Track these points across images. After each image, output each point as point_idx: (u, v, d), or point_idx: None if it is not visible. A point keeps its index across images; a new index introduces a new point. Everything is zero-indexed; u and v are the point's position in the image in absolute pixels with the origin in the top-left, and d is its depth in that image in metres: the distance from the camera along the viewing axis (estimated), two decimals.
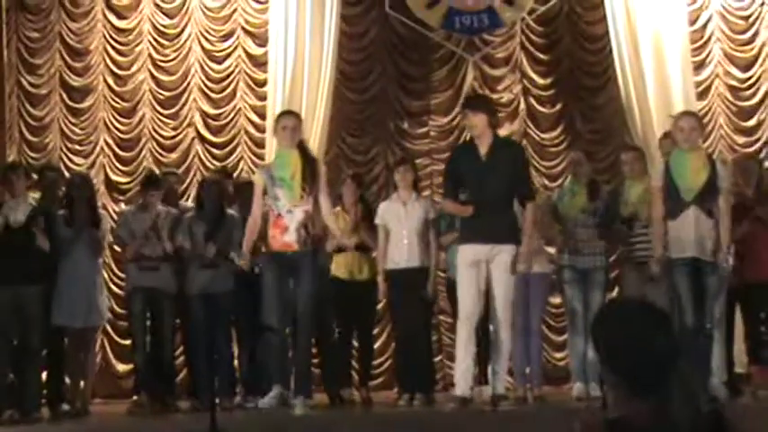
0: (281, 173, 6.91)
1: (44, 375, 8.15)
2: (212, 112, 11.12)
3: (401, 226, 7.87)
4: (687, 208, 6.82)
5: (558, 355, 9.79)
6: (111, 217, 10.11)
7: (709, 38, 10.52)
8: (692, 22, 10.42)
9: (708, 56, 10.51)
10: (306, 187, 6.88)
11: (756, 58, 10.49)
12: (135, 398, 8.46)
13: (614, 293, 8.94)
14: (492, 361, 6.86)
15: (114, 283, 10.30)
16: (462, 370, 6.70)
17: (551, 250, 8.20)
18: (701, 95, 10.33)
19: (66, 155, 11.27)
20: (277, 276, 6.93)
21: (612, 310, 2.74)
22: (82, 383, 8.18)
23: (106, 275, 9.91)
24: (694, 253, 6.81)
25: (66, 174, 9.71)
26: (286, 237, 6.86)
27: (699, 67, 10.41)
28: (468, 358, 6.69)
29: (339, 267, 8.21)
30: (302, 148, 7.05)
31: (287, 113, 7.43)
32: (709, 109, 10.38)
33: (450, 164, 7.14)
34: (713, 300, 6.98)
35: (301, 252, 6.86)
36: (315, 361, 8.69)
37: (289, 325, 7.06)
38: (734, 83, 10.50)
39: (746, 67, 10.51)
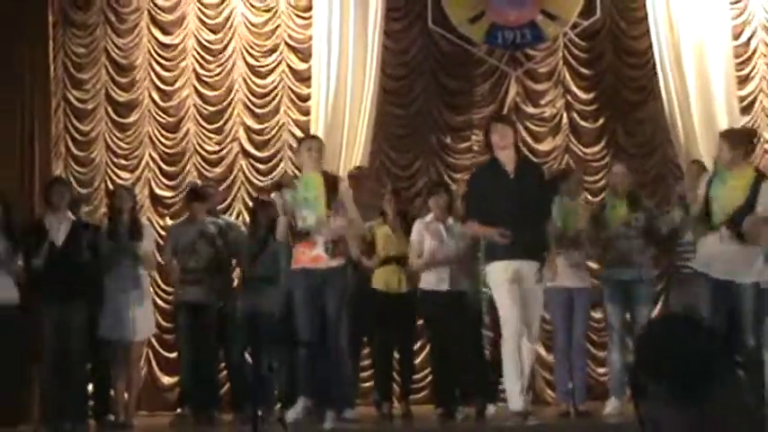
0: (305, 194, 7.03)
1: (90, 388, 8.23)
2: (256, 126, 11.19)
3: (442, 247, 7.87)
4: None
5: (601, 371, 9.73)
6: (157, 231, 10.21)
7: (754, 52, 10.46)
8: (736, 37, 10.36)
9: (752, 70, 10.45)
10: (332, 206, 7.00)
11: None
12: (179, 410, 8.53)
13: (658, 307, 8.91)
14: (513, 376, 6.73)
15: (160, 297, 10.38)
16: (513, 388, 6.67)
17: (594, 265, 8.18)
18: (745, 110, 10.27)
19: (111, 169, 11.38)
20: (307, 292, 6.98)
21: (660, 324, 2.73)
22: (126, 396, 8.25)
23: (151, 289, 10.01)
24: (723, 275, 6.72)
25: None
26: (314, 251, 6.94)
27: (743, 81, 10.35)
28: (520, 374, 6.66)
29: (378, 280, 8.23)
30: (324, 171, 7.28)
31: (310, 137, 7.75)
32: (754, 123, 10.30)
33: (474, 182, 7.14)
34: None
35: (331, 267, 6.94)
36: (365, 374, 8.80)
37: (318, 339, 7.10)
38: None
39: None
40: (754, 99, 10.42)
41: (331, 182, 7.15)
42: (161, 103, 11.42)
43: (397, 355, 8.52)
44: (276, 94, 11.20)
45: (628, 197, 7.85)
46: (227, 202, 10.95)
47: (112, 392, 8.34)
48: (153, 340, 9.88)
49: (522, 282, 6.67)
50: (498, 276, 6.73)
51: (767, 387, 6.51)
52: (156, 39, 11.49)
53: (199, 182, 10.62)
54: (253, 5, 11.28)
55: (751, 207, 6.71)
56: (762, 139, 10.32)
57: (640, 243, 7.71)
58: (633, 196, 7.88)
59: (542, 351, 9.96)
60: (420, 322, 8.55)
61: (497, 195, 6.70)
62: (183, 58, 11.43)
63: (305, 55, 11.05)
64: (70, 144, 11.47)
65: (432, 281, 7.87)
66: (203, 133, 11.30)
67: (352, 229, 7.20)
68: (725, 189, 6.78)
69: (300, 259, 7.02)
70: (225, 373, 9.25)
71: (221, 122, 11.28)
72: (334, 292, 6.95)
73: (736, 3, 10.41)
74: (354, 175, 8.91)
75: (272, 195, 7.36)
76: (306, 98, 10.95)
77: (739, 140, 7.11)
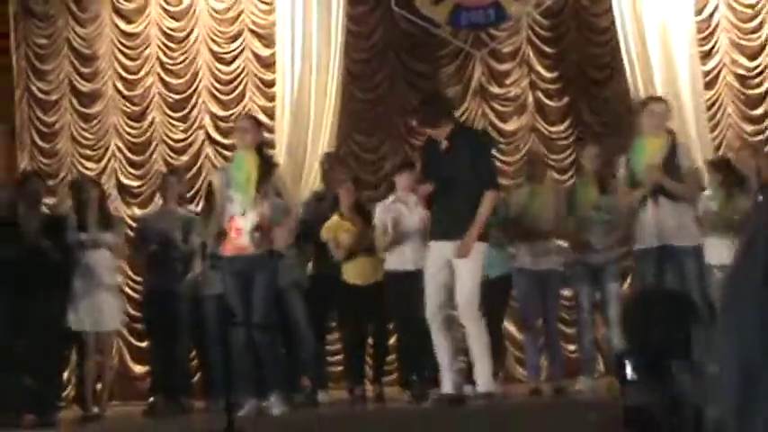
0: (235, 175, 6.94)
1: (64, 379, 8.22)
2: (222, 113, 11.16)
3: (403, 220, 7.82)
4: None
5: (571, 348, 9.78)
6: (125, 221, 10.17)
7: (716, 27, 10.50)
8: (699, 12, 10.40)
9: (715, 45, 10.50)
10: (261, 190, 6.88)
11: (763, 46, 10.47)
12: (151, 399, 8.51)
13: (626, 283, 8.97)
14: (475, 360, 6.67)
15: (129, 287, 10.35)
16: (443, 368, 6.59)
17: (564, 244, 8.20)
18: (709, 85, 10.32)
19: (77, 160, 11.32)
20: (234, 278, 6.90)
21: (642, 299, 2.75)
22: (99, 386, 8.23)
23: (121, 278, 9.97)
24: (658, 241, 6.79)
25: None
26: (240, 239, 6.86)
27: (706, 56, 10.40)
28: (448, 357, 6.59)
29: (351, 274, 8.18)
30: (260, 150, 7.10)
31: (243, 117, 7.62)
32: (717, 98, 10.37)
33: (421, 158, 7.16)
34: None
35: (256, 255, 6.85)
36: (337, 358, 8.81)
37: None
38: (741, 72, 10.49)
39: (753, 55, 10.49)
40: (718, 74, 10.47)
41: (266, 165, 7.03)
42: (125, 93, 11.37)
43: (370, 339, 8.52)
44: (241, 81, 11.17)
45: (596, 179, 7.86)
46: (194, 190, 10.92)
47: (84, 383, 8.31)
48: (123, 330, 9.85)
49: (453, 262, 6.50)
50: (428, 259, 6.62)
51: None
52: (118, 28, 11.43)
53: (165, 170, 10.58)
54: None
55: (674, 165, 6.78)
56: (726, 113, 10.39)
57: (609, 225, 7.72)
58: (601, 178, 7.88)
59: (513, 329, 10.01)
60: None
61: (431, 169, 6.63)
62: (147, 47, 11.37)
63: (269, 40, 11.02)
64: (35, 135, 11.40)
65: (395, 261, 7.81)
66: (169, 122, 11.26)
67: (289, 219, 7.09)
68: (643, 155, 6.85)
69: (226, 247, 6.95)
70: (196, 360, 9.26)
71: (187, 110, 11.24)
72: (260, 276, 6.86)
73: None
74: (324, 162, 8.89)
75: (213, 174, 7.33)
76: (271, 84, 10.92)
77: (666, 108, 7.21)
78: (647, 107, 7.02)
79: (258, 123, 7.44)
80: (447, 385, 6.59)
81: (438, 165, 6.56)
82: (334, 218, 8.11)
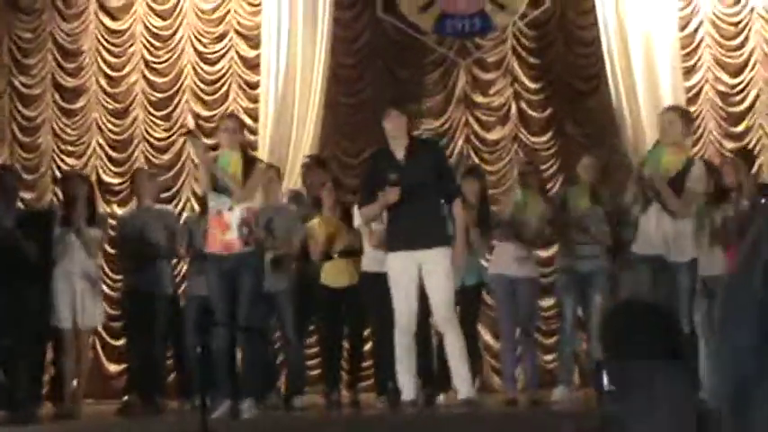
0: (221, 173, 6.97)
1: (42, 376, 8.17)
2: (205, 113, 11.14)
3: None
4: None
5: (549, 358, 9.81)
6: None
7: (699, 43, 10.58)
8: (683, 28, 10.48)
9: (698, 61, 10.57)
10: (247, 185, 6.96)
11: (746, 63, 10.55)
12: (125, 398, 8.47)
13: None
14: (453, 369, 6.69)
15: (106, 284, 10.30)
16: (408, 379, 6.63)
17: (544, 254, 8.23)
18: (691, 101, 10.38)
19: (58, 156, 11.28)
20: (219, 276, 6.91)
21: (622, 309, 2.77)
22: (74, 383, 8.19)
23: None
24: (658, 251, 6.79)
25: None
26: (227, 235, 6.88)
27: (689, 72, 10.47)
28: (412, 366, 6.64)
29: (328, 276, 8.15)
30: (244, 150, 7.22)
31: (228, 116, 7.81)
32: (699, 114, 10.43)
33: (366, 172, 7.02)
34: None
35: (243, 253, 6.88)
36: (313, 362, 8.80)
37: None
38: (723, 88, 10.56)
39: (736, 72, 10.57)
40: (700, 90, 10.54)
41: (249, 164, 7.10)
42: (108, 89, 11.34)
43: (346, 345, 8.50)
44: (225, 81, 11.16)
45: (590, 189, 7.89)
46: (174, 189, 10.90)
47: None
48: (99, 328, 9.80)
49: (423, 272, 6.50)
50: (394, 270, 6.57)
51: (701, 374, 6.54)
52: (103, 24, 11.40)
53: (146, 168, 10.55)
54: None
55: (681, 182, 6.73)
56: (707, 129, 10.46)
57: (599, 235, 7.74)
58: (594, 189, 7.92)
59: (489, 338, 10.03)
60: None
61: (385, 183, 6.50)
62: (132, 44, 11.34)
63: (254, 42, 11.01)
64: (16, 130, 11.36)
65: (372, 263, 7.75)
66: (152, 120, 11.24)
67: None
68: (660, 166, 6.82)
69: (212, 244, 6.97)
70: (171, 360, 9.23)
71: (170, 109, 11.22)
72: (246, 276, 6.88)
73: None
74: (305, 165, 8.90)
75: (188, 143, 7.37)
76: (255, 85, 10.91)
77: (690, 118, 7.22)
78: (663, 116, 6.98)
79: (240, 123, 7.49)
80: (412, 391, 6.61)
81: (393, 179, 6.49)
82: (315, 219, 8.11)
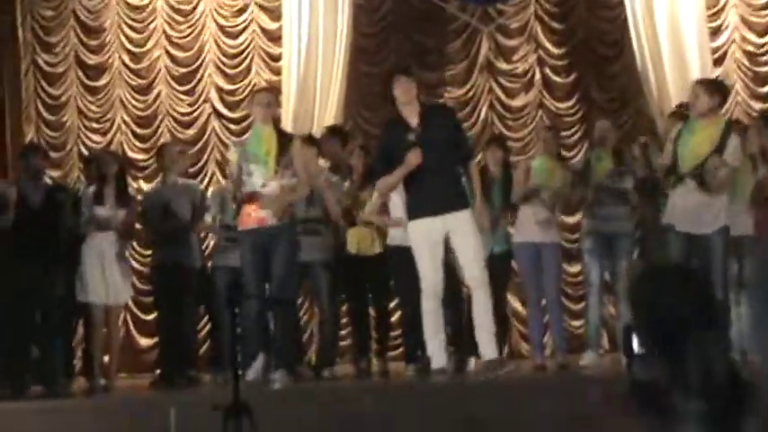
0: (255, 149, 6.94)
1: (73, 352, 8.25)
2: (228, 87, 11.15)
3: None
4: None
5: (577, 324, 9.79)
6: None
7: (726, 3, 10.45)
8: None
9: (724, 22, 10.44)
10: (281, 162, 6.90)
11: None
12: (158, 371, 8.54)
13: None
14: (478, 327, 6.64)
15: (136, 260, 10.36)
16: (437, 344, 6.62)
17: (571, 220, 8.21)
18: (718, 62, 10.28)
19: (84, 133, 11.33)
20: (253, 251, 6.90)
21: (652, 273, 2.74)
22: (106, 359, 8.25)
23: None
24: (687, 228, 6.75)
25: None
26: (260, 212, 6.87)
27: (715, 33, 10.35)
28: (441, 332, 6.65)
29: (351, 243, 8.19)
30: (276, 124, 7.15)
31: (261, 90, 7.69)
32: (726, 75, 10.32)
33: (380, 142, 6.94)
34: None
35: (277, 226, 6.87)
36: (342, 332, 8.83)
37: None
38: (750, 48, 10.44)
39: (763, 32, 10.43)
40: (726, 51, 10.43)
41: (284, 139, 7.03)
42: (131, 66, 11.36)
43: (373, 313, 8.52)
44: (247, 55, 11.15)
45: (613, 151, 7.85)
46: (200, 164, 10.93)
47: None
48: (130, 302, 9.87)
49: (450, 235, 6.49)
50: (418, 237, 6.55)
51: (732, 345, 6.49)
52: (124, 0, 11.39)
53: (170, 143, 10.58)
54: None
55: (719, 156, 6.68)
56: (734, 90, 10.35)
57: (624, 196, 7.71)
58: (618, 151, 7.88)
59: (518, 305, 10.02)
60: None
61: (403, 150, 6.46)
62: (153, 20, 11.35)
63: (275, 14, 10.98)
64: (41, 108, 11.40)
65: (398, 236, 7.76)
66: (175, 95, 11.26)
67: (296, 193, 7.04)
68: (693, 138, 6.75)
69: (246, 221, 6.96)
70: (203, 333, 9.30)
71: (193, 84, 11.23)
72: (281, 248, 6.86)
73: None
74: (320, 138, 8.84)
75: (230, 149, 7.35)
76: (277, 58, 10.90)
77: (716, 89, 7.05)
78: (693, 91, 6.92)
79: (275, 97, 7.42)
80: (440, 360, 6.60)
81: (412, 144, 6.46)
82: (345, 184, 8.21)
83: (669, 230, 6.84)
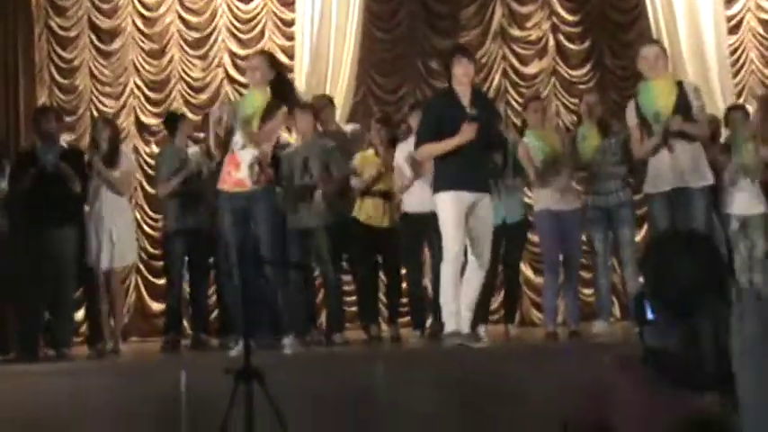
0: (243, 111, 6.92)
1: (81, 315, 8.27)
2: (241, 52, 11.12)
3: (424, 168, 7.79)
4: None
5: (587, 291, 9.78)
6: (144, 159, 10.22)
7: None
8: None
9: None
10: (263, 126, 6.86)
11: None
12: (168, 335, 8.57)
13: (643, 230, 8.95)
14: (450, 298, 6.66)
15: (147, 224, 10.38)
16: (453, 309, 6.64)
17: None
18: (733, 30, 10.22)
19: (96, 97, 11.33)
20: (232, 216, 6.89)
21: (664, 240, 2.74)
22: (112, 322, 8.29)
23: (139, 216, 10.05)
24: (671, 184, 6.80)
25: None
26: (238, 174, 6.85)
27: (730, 0, 10.29)
28: (457, 299, 6.67)
29: (361, 211, 8.23)
30: (274, 89, 6.98)
31: (255, 54, 7.59)
32: (741, 44, 10.27)
33: (431, 110, 6.97)
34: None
35: (254, 190, 6.83)
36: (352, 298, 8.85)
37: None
38: (765, 17, 10.38)
39: None
40: (742, 18, 10.36)
41: (272, 105, 6.95)
42: (144, 30, 11.34)
43: (384, 279, 8.55)
44: (260, 20, 11.12)
45: (598, 124, 7.82)
46: None
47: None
48: (141, 267, 9.91)
49: (472, 212, 6.63)
50: (449, 206, 6.62)
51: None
52: None
53: (185, 110, 10.58)
54: None
55: (686, 108, 6.78)
56: (748, 59, 10.30)
57: (616, 168, 7.69)
58: (603, 123, 7.85)
59: (530, 273, 10.02)
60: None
61: (453, 126, 6.59)
62: None
63: None
64: (54, 72, 11.39)
65: (414, 203, 7.83)
66: (188, 60, 11.24)
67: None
68: (654, 99, 6.82)
69: (225, 180, 6.93)
70: (213, 299, 9.33)
71: (206, 48, 11.21)
72: (260, 214, 6.82)
73: None
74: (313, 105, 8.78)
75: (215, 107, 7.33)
76: (290, 23, 10.86)
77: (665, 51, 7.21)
78: (639, 54, 7.01)
79: (272, 60, 7.31)
80: (452, 324, 6.65)
81: (471, 118, 6.58)
82: (369, 152, 8.23)
83: (651, 197, 6.90)
